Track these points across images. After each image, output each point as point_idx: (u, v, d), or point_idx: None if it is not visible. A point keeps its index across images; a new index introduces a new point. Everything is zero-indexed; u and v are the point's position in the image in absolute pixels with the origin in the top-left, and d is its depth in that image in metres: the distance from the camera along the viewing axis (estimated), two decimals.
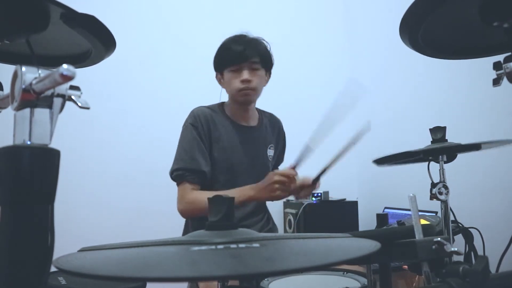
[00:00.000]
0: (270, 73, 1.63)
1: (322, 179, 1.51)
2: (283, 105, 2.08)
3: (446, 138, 1.00)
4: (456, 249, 0.70)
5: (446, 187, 0.96)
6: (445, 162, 1.00)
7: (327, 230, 0.67)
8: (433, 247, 0.70)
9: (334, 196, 2.37)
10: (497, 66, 0.69)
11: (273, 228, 1.70)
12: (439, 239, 0.70)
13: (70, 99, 0.56)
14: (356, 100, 1.50)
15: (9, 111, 0.58)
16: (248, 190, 1.43)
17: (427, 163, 1.05)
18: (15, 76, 0.54)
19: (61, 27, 0.57)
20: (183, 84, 2.38)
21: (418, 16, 0.67)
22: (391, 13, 2.19)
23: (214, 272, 0.41)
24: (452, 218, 0.98)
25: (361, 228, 2.33)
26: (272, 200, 1.50)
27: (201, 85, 2.26)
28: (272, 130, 1.71)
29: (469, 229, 0.97)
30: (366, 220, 2.39)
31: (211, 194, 0.58)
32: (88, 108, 0.56)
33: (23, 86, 0.52)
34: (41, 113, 0.54)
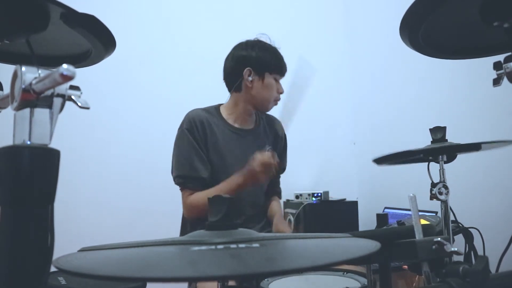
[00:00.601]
0: None
1: None
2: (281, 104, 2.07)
3: (446, 138, 1.00)
4: (456, 249, 0.70)
5: (446, 187, 0.96)
6: (445, 162, 1.00)
7: (327, 230, 0.67)
8: (433, 247, 0.70)
9: (334, 196, 2.37)
10: (497, 66, 0.69)
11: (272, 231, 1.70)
12: (439, 239, 0.70)
13: (70, 99, 0.56)
14: (308, 80, 1.57)
15: (9, 111, 0.58)
16: (237, 180, 1.45)
17: (427, 163, 1.05)
18: (15, 76, 0.54)
19: (61, 27, 0.57)
20: (183, 84, 2.38)
21: (419, 16, 0.67)
22: (391, 13, 2.19)
23: (214, 272, 0.41)
24: (452, 218, 0.98)
25: (361, 228, 2.33)
26: (259, 182, 1.52)
27: (201, 85, 2.27)
28: (270, 132, 1.71)
29: (469, 229, 0.97)
30: (366, 220, 2.39)
31: (209, 193, 0.59)
32: (88, 108, 0.56)
33: (23, 86, 0.52)
34: (41, 113, 0.54)
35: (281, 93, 1.60)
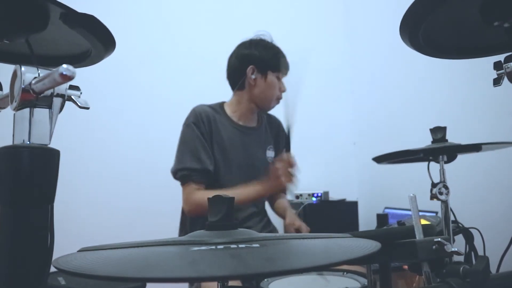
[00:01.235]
0: None
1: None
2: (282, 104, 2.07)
3: (446, 138, 1.00)
4: (456, 249, 0.70)
5: (446, 187, 0.96)
6: (445, 162, 1.00)
7: (327, 230, 0.67)
8: (434, 247, 0.70)
9: (334, 196, 2.37)
10: (497, 66, 0.69)
11: (273, 230, 1.70)
12: (439, 239, 0.70)
13: (69, 99, 0.56)
14: (301, 78, 1.57)
15: (8, 111, 0.58)
16: (257, 189, 1.45)
17: (427, 163, 1.05)
18: (14, 76, 0.54)
19: (60, 27, 0.57)
20: (183, 84, 2.37)
21: (419, 16, 0.67)
22: (391, 13, 2.19)
23: (214, 272, 0.41)
24: (452, 218, 0.98)
25: (361, 228, 2.33)
26: (280, 189, 1.54)
27: (201, 85, 2.27)
28: (271, 131, 1.71)
29: (470, 229, 0.96)
30: (366, 220, 2.38)
31: (217, 193, 0.59)
32: (87, 108, 0.56)
33: (23, 86, 0.52)
34: (41, 113, 0.54)
35: (284, 91, 1.60)
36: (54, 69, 0.46)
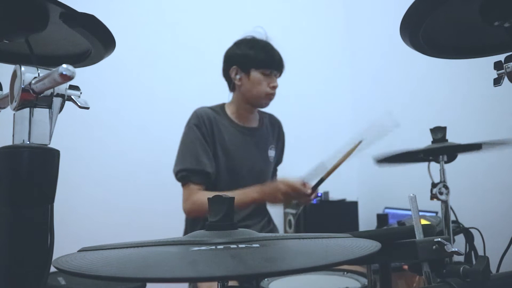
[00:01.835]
0: None
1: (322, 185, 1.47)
2: (283, 105, 2.07)
3: (446, 138, 1.00)
4: (456, 249, 0.70)
5: (446, 187, 0.96)
6: (445, 162, 1.00)
7: (327, 230, 0.67)
8: (434, 247, 0.70)
9: (334, 196, 2.37)
10: (497, 65, 0.69)
11: (274, 230, 1.70)
12: (439, 239, 0.70)
13: (69, 99, 0.56)
14: (385, 133, 1.47)
15: (8, 111, 0.58)
16: (252, 193, 1.43)
17: (427, 163, 1.05)
18: (14, 75, 0.54)
19: (60, 27, 0.57)
20: (183, 84, 2.38)
21: (419, 16, 0.67)
22: (391, 13, 2.19)
23: (214, 272, 0.41)
24: (452, 218, 0.98)
25: (361, 228, 2.33)
26: (274, 205, 1.51)
27: (202, 85, 2.27)
28: (272, 131, 1.72)
29: (470, 229, 0.96)
30: (366, 220, 2.38)
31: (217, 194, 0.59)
32: (87, 108, 0.56)
33: (23, 86, 0.52)
34: (41, 113, 0.54)
35: (274, 87, 1.56)
36: (54, 69, 0.46)
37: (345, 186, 2.60)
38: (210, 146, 1.52)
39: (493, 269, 0.70)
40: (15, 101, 0.53)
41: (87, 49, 0.67)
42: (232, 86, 1.61)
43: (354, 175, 2.71)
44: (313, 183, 1.44)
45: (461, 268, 0.67)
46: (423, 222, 0.89)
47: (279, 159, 1.79)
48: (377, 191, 2.54)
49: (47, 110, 0.54)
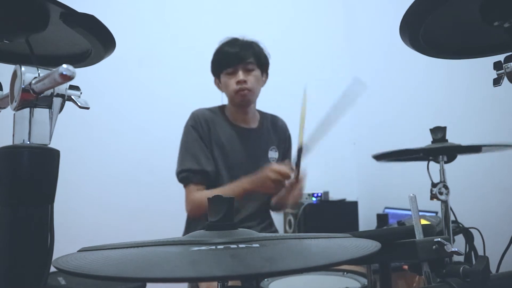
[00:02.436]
0: (267, 74, 1.63)
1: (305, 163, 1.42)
2: (283, 104, 2.07)
3: (446, 138, 1.00)
4: (456, 249, 0.70)
5: (446, 187, 0.96)
6: (445, 162, 1.00)
7: (327, 230, 0.67)
8: (434, 247, 0.70)
9: (334, 196, 2.37)
10: (497, 66, 0.69)
11: (275, 232, 1.70)
12: (439, 239, 0.70)
13: (69, 99, 0.56)
14: (355, 99, 1.49)
15: (8, 111, 0.58)
16: (243, 184, 1.43)
17: (427, 163, 1.05)
18: (14, 76, 0.54)
19: (60, 27, 0.57)
20: (183, 84, 2.38)
21: (419, 16, 0.67)
22: (391, 13, 2.19)
23: (214, 272, 0.41)
24: (452, 218, 0.98)
25: (361, 228, 2.33)
26: (267, 194, 1.50)
27: (201, 85, 2.26)
28: (274, 132, 1.71)
29: (470, 229, 0.97)
30: (366, 220, 2.39)
31: (213, 193, 0.59)
32: (87, 108, 0.56)
33: (23, 86, 0.52)
34: (41, 113, 0.54)
35: (239, 82, 1.51)
36: (54, 69, 0.46)
37: (345, 186, 2.60)
38: (208, 146, 1.54)
39: (493, 269, 0.70)
40: (15, 101, 0.53)
41: (87, 49, 0.67)
42: None
43: (354, 175, 2.72)
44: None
45: (461, 268, 0.67)
46: (423, 222, 0.89)
47: (284, 160, 1.78)
48: (377, 191, 2.54)
49: (47, 110, 0.54)
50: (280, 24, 2.65)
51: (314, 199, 2.28)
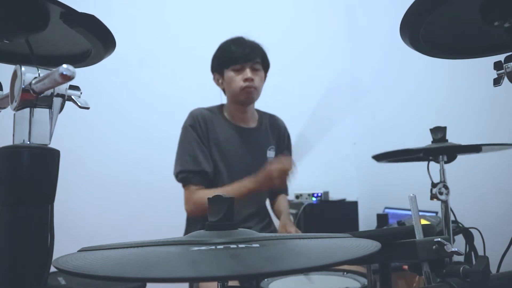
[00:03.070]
0: (266, 75, 1.65)
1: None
2: (283, 104, 2.08)
3: (446, 138, 1.00)
4: (456, 249, 0.70)
5: (446, 187, 0.96)
6: (445, 162, 1.00)
7: (327, 230, 0.67)
8: (434, 247, 0.70)
9: (334, 196, 2.37)
10: (497, 65, 0.69)
11: (274, 232, 1.70)
12: (439, 239, 0.70)
13: (69, 99, 0.56)
14: (357, 101, 1.52)
15: (8, 111, 0.58)
16: (248, 183, 1.45)
17: (427, 163, 1.05)
18: (14, 76, 0.54)
19: (60, 27, 0.57)
20: (183, 84, 2.38)
21: (419, 16, 0.67)
22: (391, 13, 2.19)
23: (214, 272, 0.41)
24: (452, 218, 0.98)
25: (361, 228, 2.33)
26: (271, 188, 1.54)
27: (201, 85, 2.26)
28: (272, 132, 1.71)
29: (470, 229, 0.96)
30: (366, 220, 2.38)
31: (214, 192, 0.59)
32: (88, 108, 0.56)
33: (23, 86, 0.52)
34: (41, 113, 0.54)
35: (247, 79, 1.53)
36: (54, 69, 0.46)
37: (345, 186, 2.60)
38: (206, 145, 1.54)
39: (493, 269, 0.70)
40: (15, 101, 0.53)
41: (87, 49, 0.67)
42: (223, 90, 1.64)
43: (354, 175, 2.71)
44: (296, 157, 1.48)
45: (461, 268, 0.67)
46: (423, 222, 0.89)
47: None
48: (377, 191, 2.54)
49: (47, 110, 0.54)
50: (281, 24, 2.65)
51: (314, 199, 2.28)
